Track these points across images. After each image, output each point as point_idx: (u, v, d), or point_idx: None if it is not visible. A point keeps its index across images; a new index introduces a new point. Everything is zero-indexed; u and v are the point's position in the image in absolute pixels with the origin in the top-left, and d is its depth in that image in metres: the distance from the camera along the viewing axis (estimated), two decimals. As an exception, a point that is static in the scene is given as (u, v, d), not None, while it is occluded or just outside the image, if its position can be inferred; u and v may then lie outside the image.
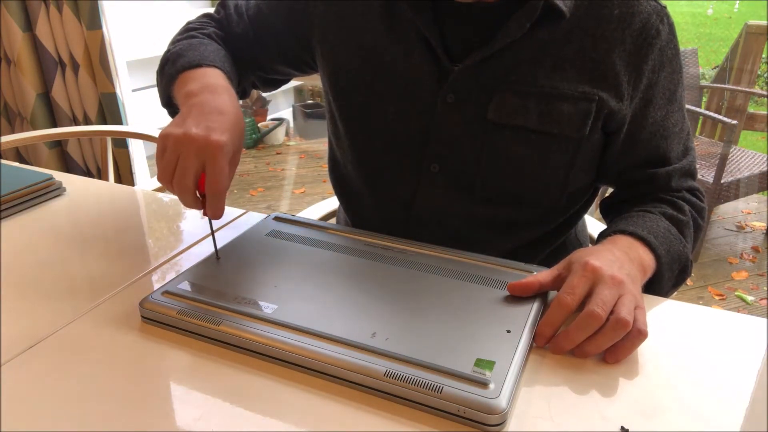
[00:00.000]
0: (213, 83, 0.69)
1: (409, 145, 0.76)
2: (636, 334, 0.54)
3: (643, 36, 0.69)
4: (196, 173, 0.60)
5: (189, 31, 0.83)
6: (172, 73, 0.74)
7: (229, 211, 0.84)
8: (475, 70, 0.71)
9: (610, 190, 0.84)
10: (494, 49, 0.69)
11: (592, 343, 0.54)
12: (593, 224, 1.02)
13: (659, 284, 0.67)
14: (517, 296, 0.60)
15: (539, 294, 0.60)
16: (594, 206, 0.92)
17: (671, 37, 0.71)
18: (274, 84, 0.93)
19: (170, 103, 0.78)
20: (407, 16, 0.73)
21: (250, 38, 0.84)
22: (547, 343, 0.56)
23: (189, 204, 0.61)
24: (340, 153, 0.86)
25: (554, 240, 0.84)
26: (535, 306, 0.58)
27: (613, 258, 0.60)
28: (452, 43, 0.72)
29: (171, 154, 0.60)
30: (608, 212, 0.83)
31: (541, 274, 0.61)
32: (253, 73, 0.89)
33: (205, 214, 0.62)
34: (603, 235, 0.70)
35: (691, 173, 0.77)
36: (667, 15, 0.71)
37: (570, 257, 0.62)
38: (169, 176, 0.60)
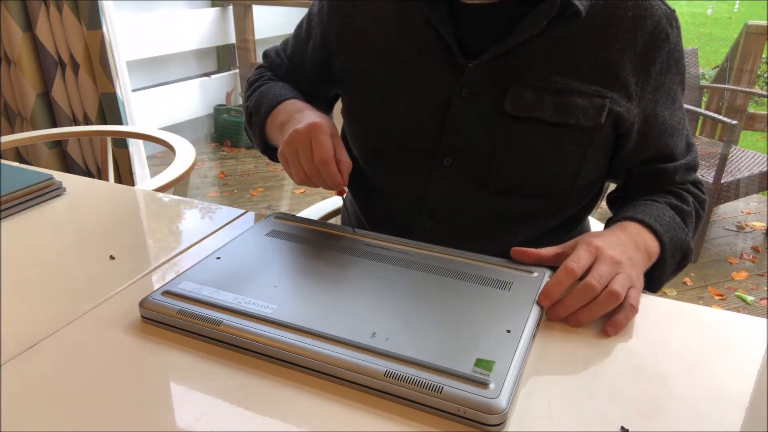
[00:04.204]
0: (294, 107, 0.79)
1: (421, 140, 0.78)
2: (628, 308, 0.59)
3: (654, 39, 0.71)
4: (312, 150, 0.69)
5: (253, 84, 0.92)
6: (259, 122, 0.83)
7: (229, 211, 0.84)
8: (490, 65, 0.72)
9: (613, 186, 0.87)
10: (510, 45, 0.71)
11: (585, 311, 0.59)
12: (596, 225, 1.03)
13: (662, 269, 0.70)
14: (518, 261, 0.66)
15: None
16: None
17: (678, 40, 0.74)
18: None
19: (268, 148, 0.86)
20: (422, 14, 0.74)
21: (292, 73, 0.93)
22: (550, 304, 0.59)
23: (331, 175, 0.69)
24: (353, 149, 0.88)
25: (561, 235, 0.86)
26: (535, 307, 0.59)
27: (618, 242, 0.64)
28: (467, 40, 0.74)
29: (290, 155, 0.70)
30: (615, 205, 0.85)
31: (544, 249, 0.66)
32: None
33: (332, 189, 0.71)
34: (612, 221, 0.74)
35: (693, 167, 0.81)
36: (676, 19, 0.74)
37: (577, 239, 0.66)
38: (302, 172, 0.70)
